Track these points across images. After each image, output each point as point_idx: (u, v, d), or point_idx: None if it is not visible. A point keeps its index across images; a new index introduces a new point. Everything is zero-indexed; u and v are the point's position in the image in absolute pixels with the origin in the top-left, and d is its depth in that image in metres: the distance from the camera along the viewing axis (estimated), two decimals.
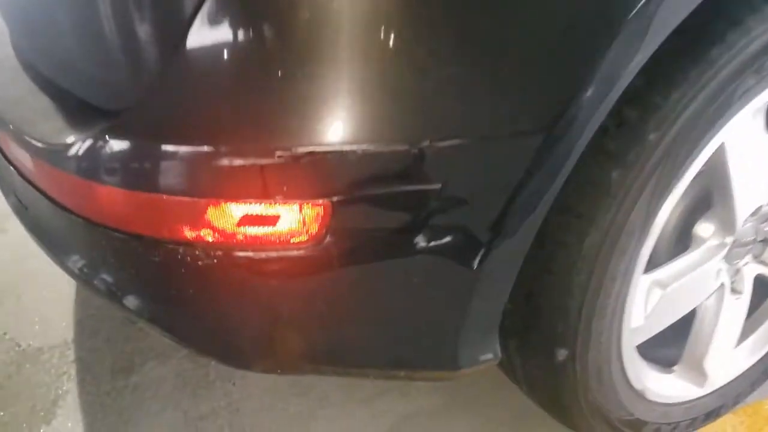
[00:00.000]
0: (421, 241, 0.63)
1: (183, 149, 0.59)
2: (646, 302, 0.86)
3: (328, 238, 0.62)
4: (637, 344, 0.90)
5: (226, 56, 0.57)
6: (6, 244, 1.78)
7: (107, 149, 0.62)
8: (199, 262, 0.63)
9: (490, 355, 0.75)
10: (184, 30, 0.56)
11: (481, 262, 0.66)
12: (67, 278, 1.61)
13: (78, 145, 0.63)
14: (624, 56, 0.59)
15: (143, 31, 0.60)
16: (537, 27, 0.57)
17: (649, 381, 0.95)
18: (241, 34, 0.56)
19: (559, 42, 0.58)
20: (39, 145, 0.67)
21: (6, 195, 0.92)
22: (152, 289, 0.69)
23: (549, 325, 0.79)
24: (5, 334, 1.45)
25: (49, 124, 0.68)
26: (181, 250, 0.63)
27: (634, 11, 0.58)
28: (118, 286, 0.72)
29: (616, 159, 0.71)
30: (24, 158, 0.73)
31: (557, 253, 0.74)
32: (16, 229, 1.85)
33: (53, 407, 1.26)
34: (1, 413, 1.24)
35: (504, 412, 1.13)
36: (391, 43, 0.56)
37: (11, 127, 0.71)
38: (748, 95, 0.75)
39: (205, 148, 0.58)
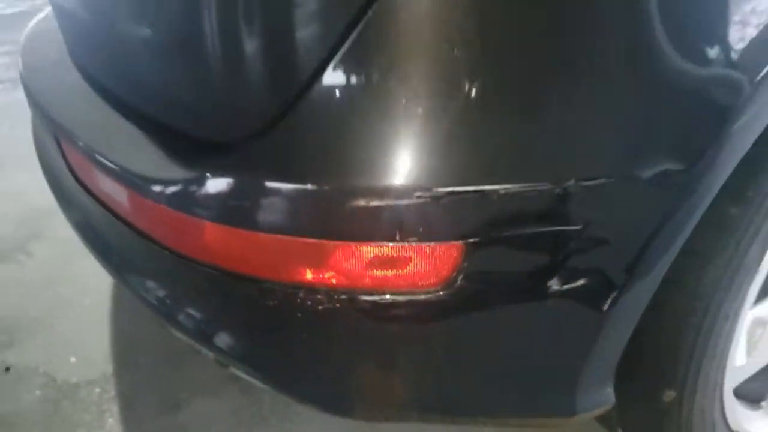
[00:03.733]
0: (554, 285, 0.60)
1: (313, 189, 0.56)
2: (749, 341, 0.83)
3: (459, 282, 0.58)
4: (736, 384, 0.87)
5: (361, 98, 0.54)
6: (34, 269, 1.72)
7: (225, 186, 0.59)
8: (320, 307, 0.59)
9: (605, 400, 0.72)
10: (320, 68, 0.53)
11: (612, 305, 0.63)
12: (103, 306, 1.58)
13: (190, 181, 0.59)
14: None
15: (273, 63, 0.57)
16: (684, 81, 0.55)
17: (743, 421, 0.91)
18: (376, 79, 0.53)
19: (705, 90, 0.56)
20: (141, 179, 0.63)
21: (74, 222, 0.89)
22: (260, 333, 0.65)
23: (659, 367, 0.76)
24: (38, 368, 1.40)
25: (150, 158, 0.65)
26: (300, 294, 0.59)
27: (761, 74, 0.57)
28: (217, 328, 0.68)
29: (734, 196, 0.68)
30: (113, 191, 0.69)
31: (674, 293, 0.71)
32: (43, 252, 1.82)
33: None
34: None
35: None
36: (536, 84, 0.53)
37: (104, 159, 0.68)
38: None
39: (338, 189, 0.55)
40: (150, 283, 0.73)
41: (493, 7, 0.52)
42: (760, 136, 0.65)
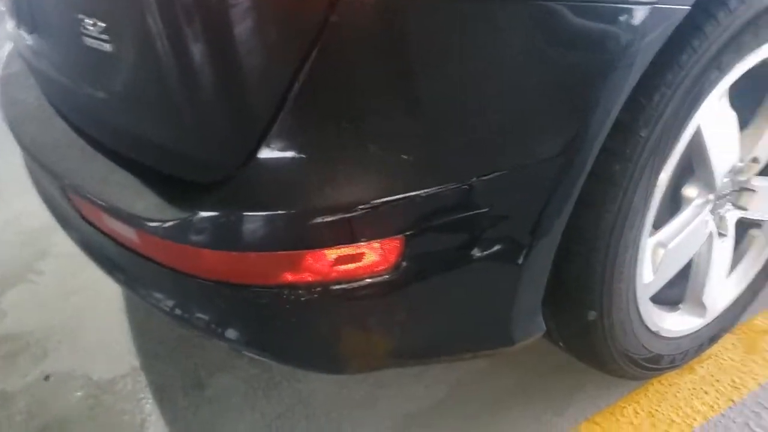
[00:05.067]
0: (477, 253, 0.79)
1: (281, 213, 0.73)
2: (653, 261, 1.03)
3: (404, 264, 0.77)
4: (649, 296, 1.07)
5: (309, 140, 0.71)
6: (46, 285, 1.90)
7: (212, 219, 0.76)
8: (302, 299, 0.78)
9: (537, 329, 0.92)
10: (273, 119, 0.70)
11: (525, 259, 0.82)
12: (116, 309, 1.76)
13: (192, 218, 0.76)
14: (618, 88, 0.74)
15: (238, 118, 0.72)
16: (555, 80, 0.72)
17: (661, 322, 1.13)
18: (318, 124, 0.69)
19: (571, 87, 0.73)
20: (151, 221, 0.80)
21: (96, 259, 1.05)
22: (259, 324, 0.84)
23: (579, 295, 0.96)
24: (74, 371, 1.59)
25: (156, 201, 0.81)
26: (285, 292, 0.77)
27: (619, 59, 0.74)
28: (225, 325, 0.86)
29: (616, 155, 0.86)
30: (128, 232, 0.86)
31: (579, 238, 0.90)
32: (51, 268, 1.99)
33: (142, 430, 1.41)
34: None
35: (543, 364, 1.31)
36: (437, 116, 0.70)
37: (117, 206, 0.84)
38: (713, 85, 0.90)
39: (301, 211, 0.72)
40: (164, 296, 0.90)
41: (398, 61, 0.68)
42: (625, 105, 0.82)
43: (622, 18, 0.73)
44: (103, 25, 0.77)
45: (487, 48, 0.70)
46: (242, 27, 0.68)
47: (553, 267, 0.91)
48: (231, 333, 0.87)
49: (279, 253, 0.74)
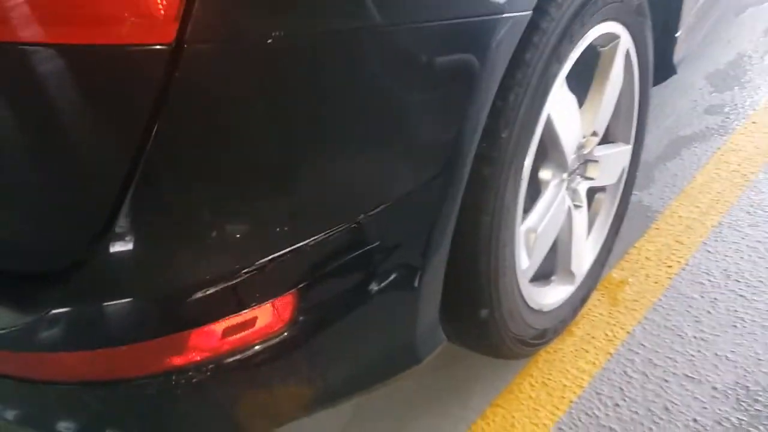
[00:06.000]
0: (374, 287, 0.75)
1: (156, 295, 0.64)
2: (527, 246, 1.08)
3: (300, 318, 0.71)
4: (528, 279, 1.12)
5: (163, 213, 0.62)
6: None
7: (78, 314, 0.64)
8: (194, 380, 0.69)
9: (439, 340, 0.92)
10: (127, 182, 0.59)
11: (420, 280, 0.80)
12: None
13: (45, 318, 0.64)
14: (484, 96, 0.75)
15: (79, 186, 0.61)
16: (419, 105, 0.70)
17: (541, 299, 1.19)
18: (168, 198, 0.61)
19: (443, 105, 0.71)
20: None
21: None
22: (150, 417, 0.73)
23: (469, 298, 0.97)
24: None
25: None
26: (173, 378, 0.68)
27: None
28: (110, 428, 0.75)
29: (484, 160, 0.87)
30: None
31: (461, 247, 0.90)
32: None
33: None
34: None
35: (436, 362, 1.31)
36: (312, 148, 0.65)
37: None
38: (555, 76, 0.95)
39: (182, 287, 0.63)
40: (32, 416, 0.76)
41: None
42: (492, 115, 0.83)
43: (479, 32, 0.73)
44: None
45: (346, 86, 0.66)
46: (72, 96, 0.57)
47: (445, 279, 0.90)
48: None
49: (157, 340, 0.65)
